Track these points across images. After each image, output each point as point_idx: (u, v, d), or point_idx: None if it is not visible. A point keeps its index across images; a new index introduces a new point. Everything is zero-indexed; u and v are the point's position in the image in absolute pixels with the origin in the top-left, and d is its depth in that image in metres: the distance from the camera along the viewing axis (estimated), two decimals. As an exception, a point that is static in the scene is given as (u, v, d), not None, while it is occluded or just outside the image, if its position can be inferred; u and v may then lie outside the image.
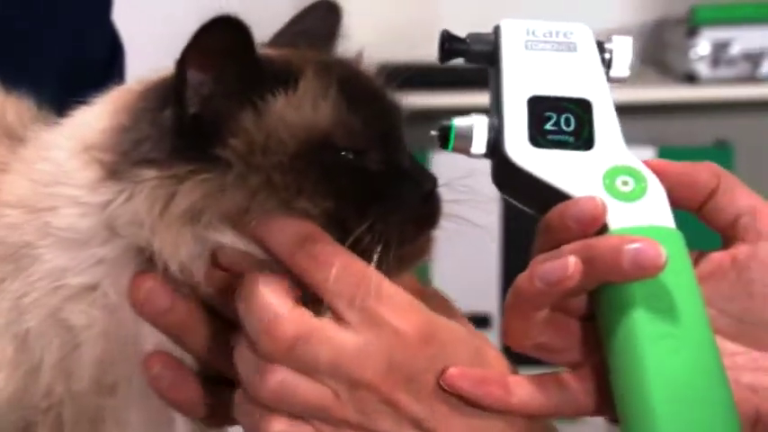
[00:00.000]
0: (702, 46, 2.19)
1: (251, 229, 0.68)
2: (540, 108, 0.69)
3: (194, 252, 0.69)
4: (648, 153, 2.18)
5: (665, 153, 2.20)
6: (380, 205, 0.69)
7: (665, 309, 0.63)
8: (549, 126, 0.68)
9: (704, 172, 0.70)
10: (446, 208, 0.72)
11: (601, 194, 0.65)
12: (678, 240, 0.65)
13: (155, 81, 0.73)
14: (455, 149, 0.69)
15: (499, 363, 0.68)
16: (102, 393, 0.72)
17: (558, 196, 0.66)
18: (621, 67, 0.72)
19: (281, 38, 0.80)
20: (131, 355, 0.72)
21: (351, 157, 0.70)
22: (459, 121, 0.69)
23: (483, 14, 2.48)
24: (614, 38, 0.73)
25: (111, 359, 0.72)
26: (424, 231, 0.72)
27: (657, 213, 0.65)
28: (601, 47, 0.73)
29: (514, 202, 0.69)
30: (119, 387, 0.72)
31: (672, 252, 0.62)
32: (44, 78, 1.00)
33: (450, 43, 0.71)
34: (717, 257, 0.68)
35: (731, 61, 2.19)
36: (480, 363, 0.67)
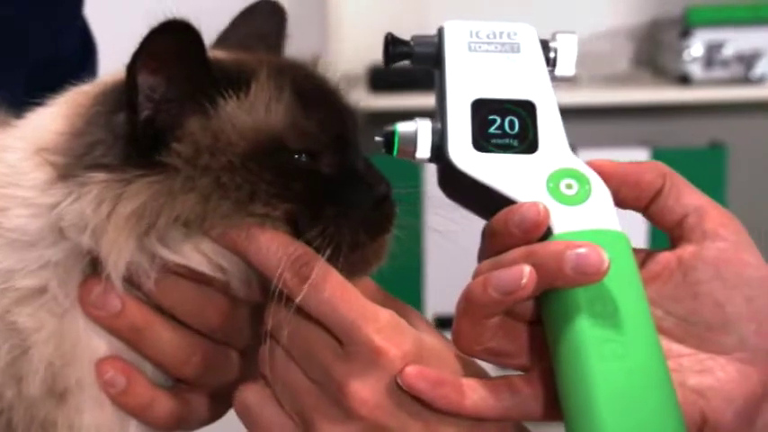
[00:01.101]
0: (696, 47, 2.19)
1: (231, 242, 0.69)
2: (484, 111, 0.68)
3: (141, 259, 0.68)
4: (642, 155, 2.18)
5: (658, 155, 2.20)
6: (333, 209, 0.69)
7: (610, 313, 0.63)
8: (492, 129, 0.68)
9: (650, 172, 0.69)
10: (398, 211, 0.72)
11: (545, 199, 0.65)
12: (623, 243, 0.65)
13: (109, 84, 0.73)
14: (399, 154, 0.69)
15: (468, 367, 0.68)
16: (53, 398, 0.71)
17: (502, 201, 0.66)
18: (566, 66, 0.72)
19: (226, 39, 0.79)
20: (83, 360, 0.72)
21: (304, 159, 0.70)
22: (402, 126, 0.68)
23: (476, 16, 2.47)
24: (558, 36, 0.72)
25: (62, 363, 0.71)
26: (376, 237, 0.71)
27: (602, 216, 0.65)
28: (545, 46, 0.72)
29: (461, 206, 0.68)
30: (71, 392, 0.72)
31: (616, 255, 0.62)
32: (16, 76, 0.99)
33: (394, 46, 0.71)
34: (663, 258, 0.68)
35: (725, 62, 2.19)
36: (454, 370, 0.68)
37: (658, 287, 0.67)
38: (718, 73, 2.19)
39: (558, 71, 0.71)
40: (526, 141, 0.68)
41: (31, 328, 0.70)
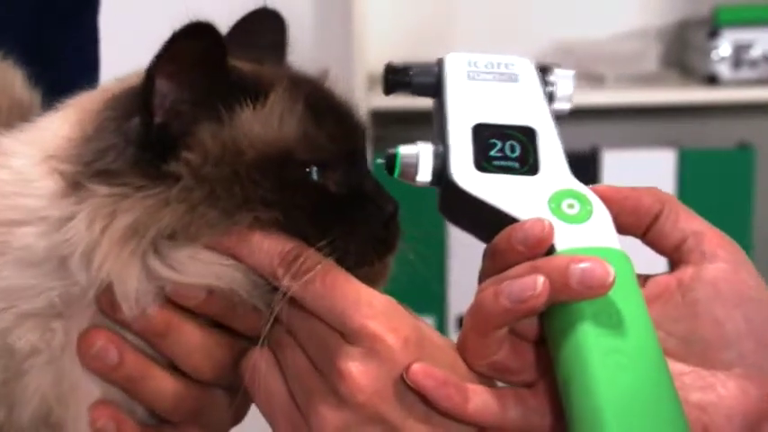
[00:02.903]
0: (724, 47, 2.17)
1: (225, 247, 0.68)
2: (485, 135, 0.69)
3: (142, 281, 0.68)
4: (669, 156, 2.17)
5: (686, 156, 2.19)
6: (341, 225, 0.69)
7: (614, 324, 0.63)
8: (494, 153, 0.69)
9: (648, 197, 0.70)
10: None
11: (547, 217, 0.65)
12: (625, 261, 0.65)
13: (122, 88, 0.72)
14: (401, 177, 0.69)
15: (469, 373, 0.68)
16: (47, 428, 0.71)
17: (504, 220, 0.66)
18: (563, 101, 0.73)
19: (234, 49, 0.78)
20: (79, 402, 0.71)
21: (314, 177, 0.70)
22: (404, 149, 0.69)
23: (503, 16, 2.47)
24: (556, 71, 0.73)
25: (57, 400, 0.71)
26: (382, 256, 0.71)
27: (604, 235, 0.66)
28: (543, 79, 0.73)
29: (462, 229, 0.69)
30: (65, 427, 0.71)
31: (619, 272, 0.63)
32: (18, 15, 0.98)
33: (394, 75, 0.72)
34: (663, 280, 0.69)
35: (753, 63, 2.18)
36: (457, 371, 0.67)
37: (659, 308, 0.67)
38: (747, 73, 2.18)
39: (556, 106, 0.73)
40: (527, 164, 0.69)
41: (26, 352, 0.70)
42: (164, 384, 0.72)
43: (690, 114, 2.36)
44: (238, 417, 0.76)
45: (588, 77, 2.26)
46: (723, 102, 2.23)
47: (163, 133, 0.68)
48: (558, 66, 0.74)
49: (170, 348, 0.71)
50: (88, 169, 0.69)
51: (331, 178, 0.71)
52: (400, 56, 2.35)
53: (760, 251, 2.24)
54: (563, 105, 0.73)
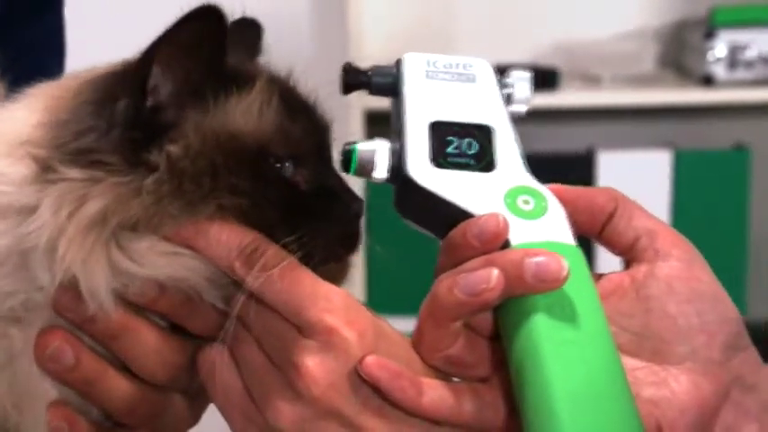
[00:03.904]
0: (719, 48, 2.18)
1: (184, 239, 0.68)
2: (442, 132, 0.70)
3: (108, 276, 0.67)
4: (664, 156, 2.17)
5: (682, 157, 2.19)
6: (310, 222, 0.70)
7: (567, 317, 0.63)
8: (450, 149, 0.69)
9: (601, 196, 0.71)
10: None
11: (503, 212, 0.66)
12: (579, 256, 0.66)
13: (98, 74, 0.72)
14: (357, 173, 0.70)
15: (425, 369, 0.68)
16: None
17: (460, 215, 0.66)
18: (520, 103, 0.74)
19: None
20: (35, 404, 0.71)
21: (286, 172, 0.70)
22: (361, 146, 0.69)
23: (500, 14, 2.47)
24: (513, 73, 0.74)
25: (13, 404, 0.70)
26: (348, 253, 0.72)
27: (558, 231, 0.66)
28: (500, 81, 0.74)
29: (417, 227, 0.69)
30: (25, 428, 0.71)
31: (573, 267, 0.63)
32: None
33: (352, 75, 0.72)
34: (616, 277, 0.69)
35: (749, 64, 2.18)
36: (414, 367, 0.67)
37: (612, 304, 0.68)
38: (742, 74, 2.18)
39: (513, 107, 0.73)
40: (483, 161, 0.69)
41: None
42: (119, 387, 0.71)
43: (686, 115, 2.36)
44: (194, 419, 0.76)
45: (585, 78, 2.26)
46: (719, 103, 2.23)
47: (153, 118, 0.68)
48: (518, 68, 0.74)
49: (124, 351, 0.71)
50: (63, 150, 0.67)
51: (302, 174, 0.71)
52: (397, 57, 2.35)
53: (755, 252, 2.24)
54: (520, 108, 0.73)
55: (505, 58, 2.27)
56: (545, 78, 2.17)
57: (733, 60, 2.17)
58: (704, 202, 2.18)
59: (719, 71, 2.17)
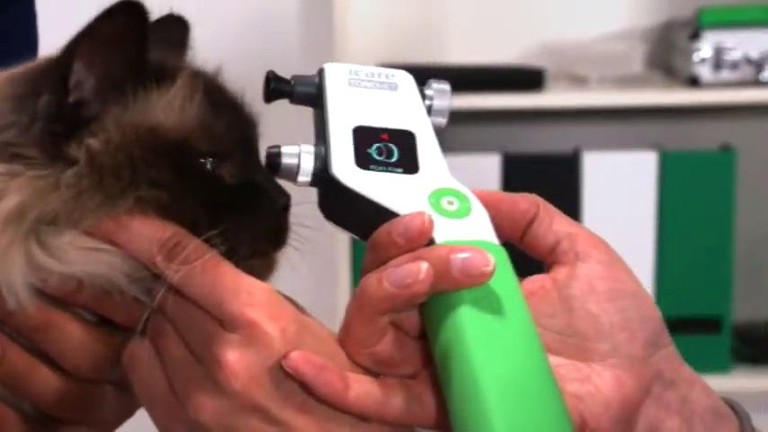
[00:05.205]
0: (705, 49, 2.18)
1: (104, 234, 0.68)
2: (365, 136, 0.70)
3: (24, 271, 0.67)
4: (651, 157, 2.17)
5: (668, 158, 2.19)
6: (234, 216, 0.70)
7: (494, 311, 0.64)
8: (374, 153, 0.70)
9: (523, 201, 0.72)
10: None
11: (427, 212, 0.67)
12: (503, 255, 0.67)
13: (18, 71, 0.72)
14: (281, 176, 0.70)
15: (351, 366, 0.68)
16: None
17: (384, 215, 0.67)
18: (439, 115, 0.75)
19: None
20: None
21: (208, 166, 0.71)
22: (285, 149, 0.70)
23: (488, 14, 2.47)
24: (433, 84, 0.75)
25: None
26: (274, 248, 0.72)
27: (482, 230, 0.68)
28: (421, 92, 0.75)
29: (342, 229, 0.70)
30: None
31: (498, 264, 0.64)
32: None
33: (274, 84, 0.73)
34: (537, 279, 0.71)
35: (734, 65, 2.18)
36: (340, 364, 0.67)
37: (534, 305, 0.68)
38: (728, 75, 2.18)
39: (432, 118, 0.74)
40: (407, 164, 0.70)
41: None
42: (46, 380, 0.71)
43: (672, 116, 2.36)
44: (129, 411, 0.76)
45: (571, 79, 2.26)
46: (705, 104, 2.23)
47: (74, 113, 0.68)
48: (439, 81, 0.75)
49: (48, 344, 0.71)
50: None
51: (226, 169, 0.72)
52: (384, 58, 2.36)
53: (741, 253, 2.25)
54: (439, 119, 0.74)
55: (491, 58, 2.27)
56: (531, 79, 2.17)
57: (718, 61, 2.18)
58: (690, 203, 2.18)
59: (705, 72, 2.18)
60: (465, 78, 2.15)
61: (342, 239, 1.97)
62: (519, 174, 2.14)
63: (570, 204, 2.13)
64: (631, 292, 0.70)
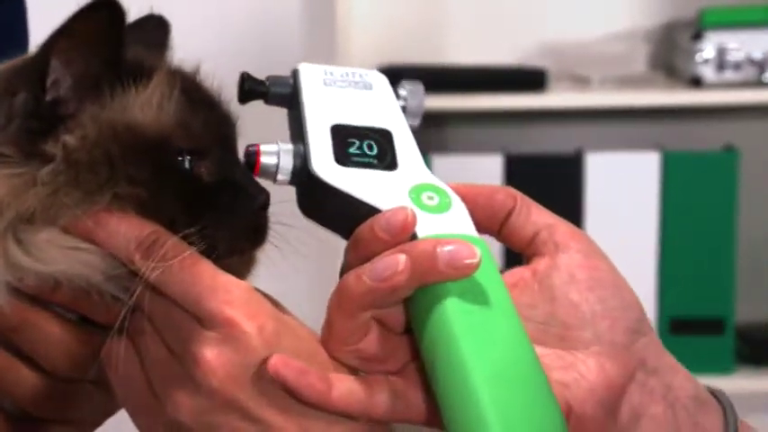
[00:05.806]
0: (708, 49, 2.18)
1: (82, 231, 0.68)
2: (343, 134, 0.71)
3: (1, 269, 0.67)
4: (653, 158, 2.17)
5: (670, 159, 2.18)
6: (213, 213, 0.70)
7: (480, 302, 0.65)
8: (352, 150, 0.70)
9: (500, 193, 0.72)
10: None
11: (409, 206, 0.67)
12: (485, 247, 0.67)
13: (0, 68, 0.72)
14: (260, 175, 0.70)
15: (332, 363, 0.68)
16: None
17: (366, 211, 0.67)
18: (412, 116, 0.75)
19: None
20: None
21: (186, 164, 0.71)
22: (264, 148, 0.70)
23: (490, 13, 2.47)
24: (406, 85, 0.76)
25: None
26: (253, 246, 0.72)
27: (463, 224, 0.68)
28: (395, 92, 0.76)
29: (322, 227, 0.70)
30: None
31: (482, 257, 0.65)
32: None
33: (249, 84, 0.73)
34: (518, 271, 0.71)
35: (737, 65, 2.18)
36: (319, 363, 0.67)
37: (515, 296, 0.69)
38: (730, 75, 2.18)
39: (406, 118, 0.75)
40: (385, 161, 0.71)
41: None
42: (25, 379, 0.71)
43: (675, 117, 2.36)
44: (109, 410, 0.76)
45: (574, 79, 2.26)
46: (707, 104, 2.23)
47: (51, 111, 0.68)
48: (412, 81, 0.76)
49: (27, 343, 0.71)
50: None
51: (204, 167, 0.72)
52: (385, 58, 2.36)
53: (744, 254, 2.24)
54: (412, 120, 0.75)
55: (493, 58, 2.27)
56: (533, 79, 2.17)
57: (721, 62, 2.17)
58: (693, 204, 2.18)
59: (708, 73, 2.17)
60: (467, 79, 2.15)
61: (342, 239, 1.97)
62: (521, 174, 2.14)
63: (573, 205, 2.13)
64: (611, 281, 0.71)
